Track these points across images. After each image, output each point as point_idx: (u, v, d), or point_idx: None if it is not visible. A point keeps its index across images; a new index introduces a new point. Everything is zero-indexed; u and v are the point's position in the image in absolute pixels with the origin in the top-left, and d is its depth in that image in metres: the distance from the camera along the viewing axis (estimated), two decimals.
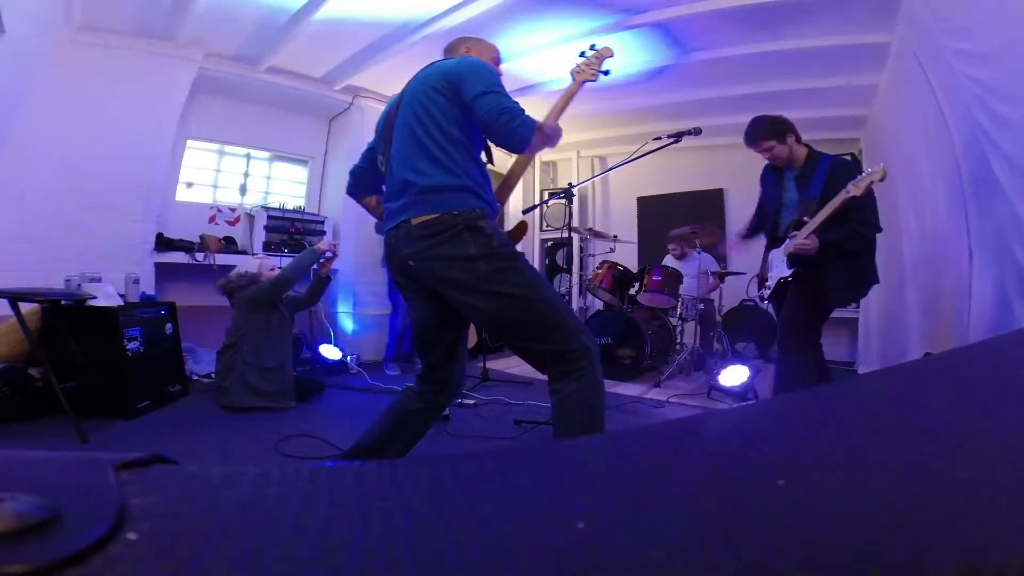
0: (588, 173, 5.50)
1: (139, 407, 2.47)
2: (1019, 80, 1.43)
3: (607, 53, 1.69)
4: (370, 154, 1.66)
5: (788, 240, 2.11)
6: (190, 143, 3.81)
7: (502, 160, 1.80)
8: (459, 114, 1.39)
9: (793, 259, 2.12)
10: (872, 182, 1.87)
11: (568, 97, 1.63)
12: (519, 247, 1.48)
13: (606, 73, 1.70)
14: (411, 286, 1.50)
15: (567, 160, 5.70)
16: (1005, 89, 1.51)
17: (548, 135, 1.43)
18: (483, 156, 1.52)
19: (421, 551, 0.15)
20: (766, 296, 2.31)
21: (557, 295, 1.45)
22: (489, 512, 0.17)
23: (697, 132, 2.28)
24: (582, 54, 1.71)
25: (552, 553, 0.15)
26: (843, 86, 3.48)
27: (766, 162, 2.27)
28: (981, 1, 1.67)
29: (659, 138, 2.33)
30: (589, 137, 5.17)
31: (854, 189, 1.89)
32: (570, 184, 2.99)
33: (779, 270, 2.22)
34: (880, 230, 2.06)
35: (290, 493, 0.19)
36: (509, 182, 1.79)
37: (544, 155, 5.48)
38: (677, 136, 2.31)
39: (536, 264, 5.04)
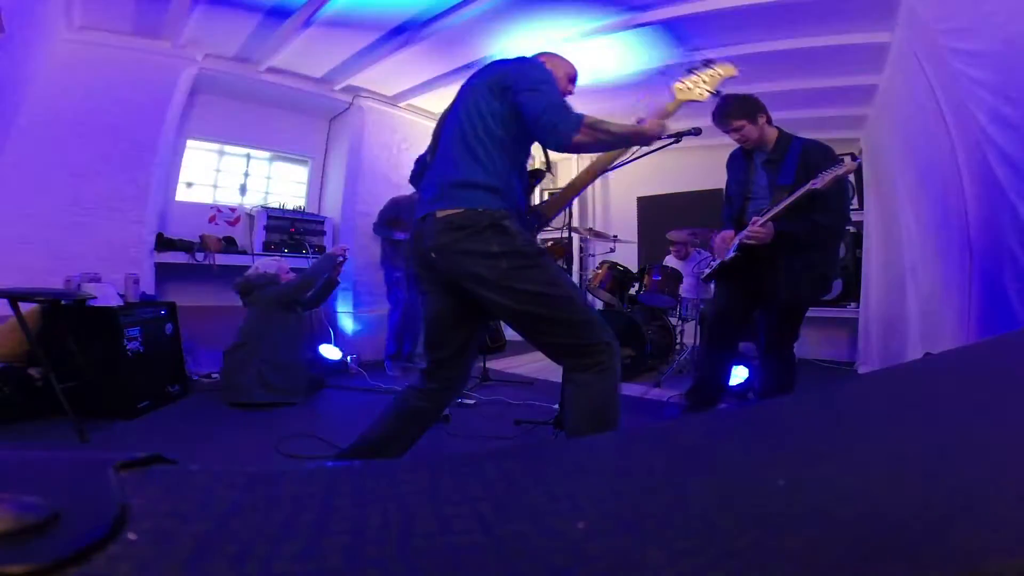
0: None
1: (139, 407, 2.47)
2: (1019, 80, 1.43)
3: (730, 73, 1.49)
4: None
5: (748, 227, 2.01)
6: (190, 143, 3.81)
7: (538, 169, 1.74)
8: (506, 113, 1.37)
9: (742, 246, 2.01)
10: (838, 176, 1.78)
11: (663, 118, 1.46)
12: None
13: (717, 95, 1.51)
14: (430, 278, 1.50)
15: (567, 160, 5.69)
16: (1005, 89, 1.51)
17: (609, 136, 1.32)
18: (540, 162, 1.48)
19: (421, 551, 0.15)
20: (704, 275, 2.25)
21: (579, 292, 1.45)
22: (489, 512, 0.17)
23: (697, 132, 2.26)
24: (690, 70, 1.50)
25: (552, 553, 0.15)
26: (843, 86, 3.48)
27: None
28: (981, 1, 1.67)
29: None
30: None
31: (819, 182, 1.81)
32: None
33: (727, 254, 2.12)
34: (848, 220, 1.98)
35: (289, 493, 0.19)
36: (566, 194, 1.73)
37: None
38: (677, 136, 2.30)
39: None
